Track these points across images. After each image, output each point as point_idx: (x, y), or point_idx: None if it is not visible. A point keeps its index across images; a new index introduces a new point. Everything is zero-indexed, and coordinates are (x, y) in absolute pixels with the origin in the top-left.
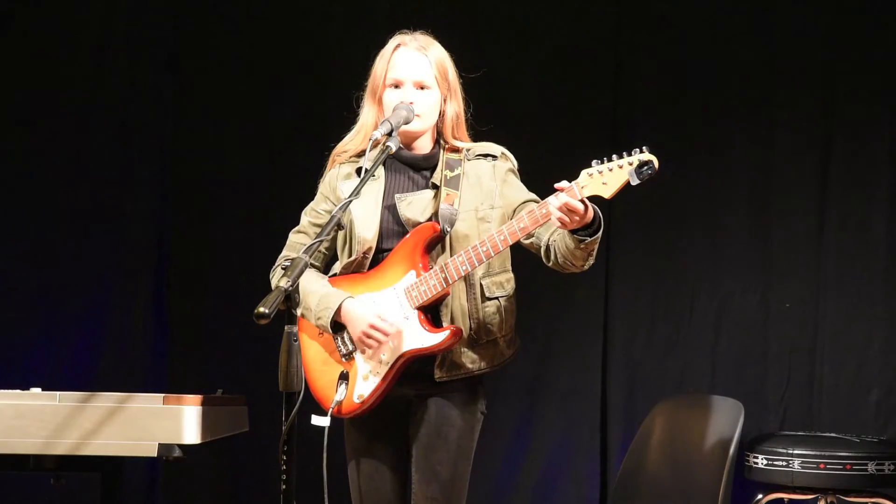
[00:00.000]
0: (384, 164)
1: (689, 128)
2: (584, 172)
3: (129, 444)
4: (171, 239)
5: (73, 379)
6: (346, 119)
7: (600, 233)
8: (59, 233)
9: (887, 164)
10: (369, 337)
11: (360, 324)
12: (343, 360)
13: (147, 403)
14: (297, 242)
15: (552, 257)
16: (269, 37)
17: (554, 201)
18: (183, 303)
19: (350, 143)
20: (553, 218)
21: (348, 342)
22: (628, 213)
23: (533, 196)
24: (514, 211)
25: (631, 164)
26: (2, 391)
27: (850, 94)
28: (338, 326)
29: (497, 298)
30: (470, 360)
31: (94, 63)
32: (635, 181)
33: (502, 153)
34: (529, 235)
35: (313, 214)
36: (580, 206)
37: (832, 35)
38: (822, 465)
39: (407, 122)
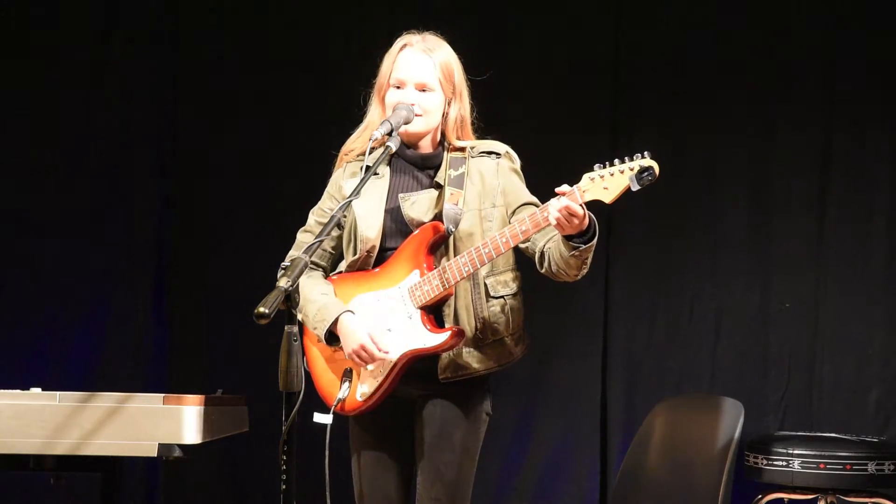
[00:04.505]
0: (389, 164)
1: (689, 127)
2: (585, 176)
3: (129, 444)
4: (171, 239)
5: (73, 379)
6: (347, 118)
7: (595, 241)
8: (60, 232)
9: (887, 164)
10: (359, 357)
11: (351, 342)
12: (347, 357)
13: (147, 403)
14: (304, 242)
15: (546, 264)
16: (269, 36)
17: (556, 204)
18: (183, 303)
19: (356, 141)
20: (551, 220)
21: None
22: (628, 213)
23: (533, 199)
24: (513, 212)
25: (632, 169)
26: (2, 391)
27: (850, 93)
28: (333, 338)
29: (502, 297)
30: (476, 359)
31: (94, 63)
32: (636, 187)
33: (506, 152)
34: (525, 240)
35: (319, 213)
36: (580, 211)
37: (832, 34)
38: (822, 465)
39: (407, 122)
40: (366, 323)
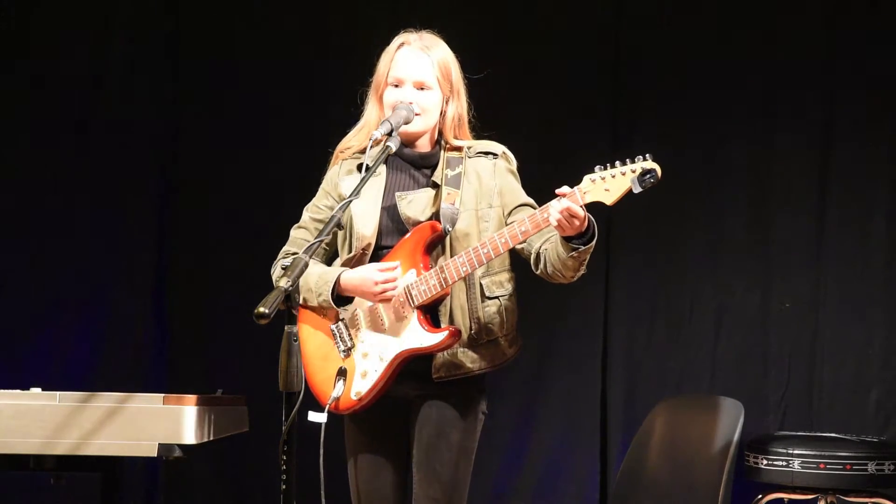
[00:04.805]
0: (386, 162)
1: (689, 128)
2: (586, 178)
3: (129, 444)
4: (171, 239)
5: (73, 379)
6: (347, 117)
7: (594, 242)
8: (59, 233)
9: (887, 164)
10: (384, 290)
11: (366, 284)
12: (342, 356)
13: (147, 403)
14: (298, 238)
15: (541, 266)
16: (269, 36)
17: (557, 205)
18: (183, 303)
19: (353, 139)
20: (552, 221)
21: (347, 338)
22: (628, 214)
23: (530, 200)
24: (510, 213)
25: (634, 171)
26: (2, 391)
27: (850, 93)
28: (341, 301)
29: (498, 298)
30: (470, 359)
31: (94, 63)
32: (637, 189)
33: (503, 152)
34: (523, 241)
35: (314, 210)
36: (581, 213)
37: (832, 34)
38: (822, 465)
39: (407, 122)
40: (365, 267)
